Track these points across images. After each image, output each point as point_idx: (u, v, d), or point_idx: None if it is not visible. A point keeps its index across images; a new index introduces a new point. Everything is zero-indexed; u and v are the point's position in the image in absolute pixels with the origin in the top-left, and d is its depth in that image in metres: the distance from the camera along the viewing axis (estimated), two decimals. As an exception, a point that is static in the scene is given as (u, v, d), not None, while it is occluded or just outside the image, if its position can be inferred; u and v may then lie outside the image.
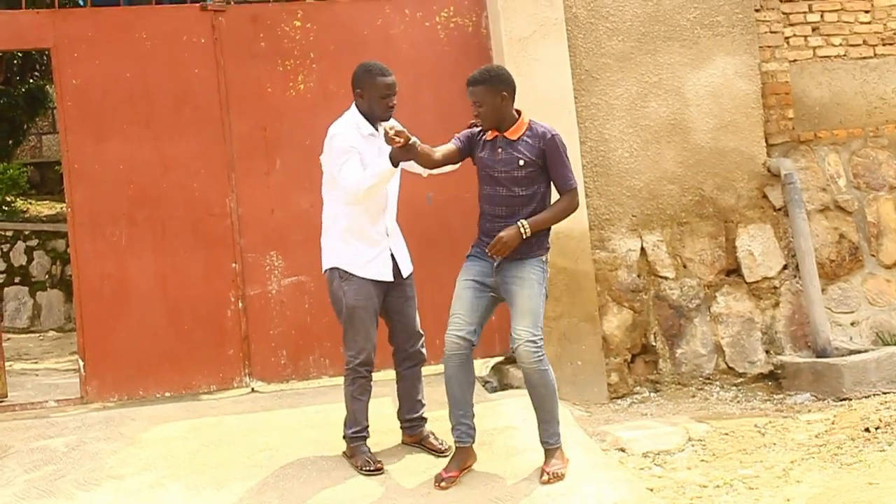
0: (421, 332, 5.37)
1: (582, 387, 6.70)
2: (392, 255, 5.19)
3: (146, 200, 6.61)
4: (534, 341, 4.81)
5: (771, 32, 7.67)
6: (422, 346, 5.37)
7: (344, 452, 5.25)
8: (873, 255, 7.64)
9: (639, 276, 7.08)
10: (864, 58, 7.94)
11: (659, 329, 7.05)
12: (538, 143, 4.94)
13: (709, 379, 7.05)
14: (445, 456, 5.17)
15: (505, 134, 4.98)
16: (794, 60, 7.77)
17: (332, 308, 5.25)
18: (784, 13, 7.76)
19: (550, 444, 4.98)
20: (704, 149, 7.29)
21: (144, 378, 6.51)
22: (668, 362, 7.03)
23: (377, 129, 5.10)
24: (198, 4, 6.82)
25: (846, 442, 5.39)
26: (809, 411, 6.27)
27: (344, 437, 5.24)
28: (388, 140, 4.72)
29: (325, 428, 5.66)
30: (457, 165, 5.24)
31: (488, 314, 5.07)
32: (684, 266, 7.20)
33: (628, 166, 7.12)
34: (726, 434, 5.78)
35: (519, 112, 5.04)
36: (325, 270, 5.19)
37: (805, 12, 7.85)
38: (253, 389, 6.61)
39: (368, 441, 5.23)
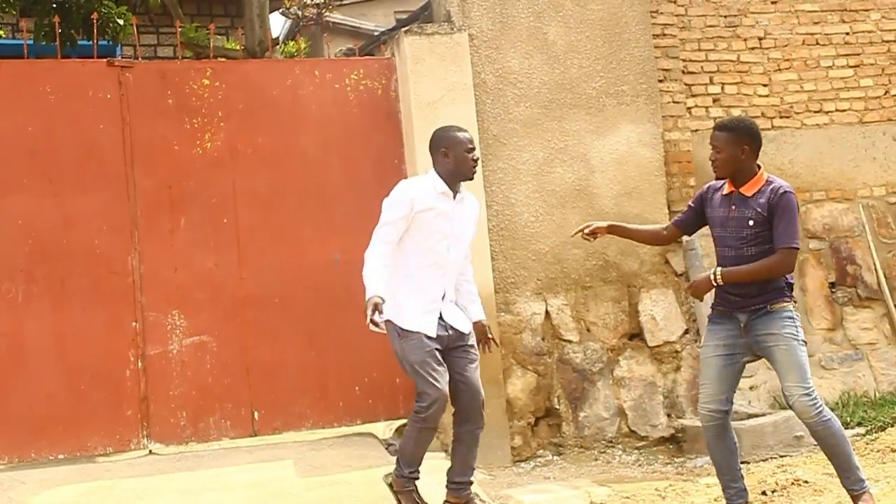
0: (482, 394, 5.29)
1: (485, 450, 6.60)
2: (441, 316, 5.17)
3: (46, 257, 6.42)
4: (808, 394, 4.67)
5: (674, 102, 7.84)
6: (483, 409, 5.28)
7: (392, 488, 5.30)
8: (771, 322, 7.77)
9: (543, 339, 7.11)
10: (763, 129, 8.03)
11: (562, 392, 7.06)
12: (770, 198, 4.79)
13: (611, 442, 7.07)
14: None
15: (740, 190, 4.89)
16: (696, 130, 7.93)
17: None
18: (686, 84, 7.95)
19: (856, 490, 4.76)
20: (609, 214, 7.35)
21: (37, 440, 6.28)
22: (571, 425, 7.03)
23: (454, 189, 5.21)
24: (105, 60, 6.74)
25: (744, 506, 5.43)
26: (709, 475, 6.21)
27: (395, 476, 5.23)
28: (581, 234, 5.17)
29: (223, 491, 5.54)
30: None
31: (739, 377, 5.02)
32: (588, 330, 7.25)
33: (534, 230, 7.17)
34: (627, 497, 5.77)
35: (759, 167, 4.93)
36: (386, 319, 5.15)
37: (706, 84, 8.05)
38: (151, 451, 6.43)
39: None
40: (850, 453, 4.80)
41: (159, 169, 6.66)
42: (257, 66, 7.25)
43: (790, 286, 4.90)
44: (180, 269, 6.62)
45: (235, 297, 6.70)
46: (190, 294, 6.62)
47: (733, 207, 4.88)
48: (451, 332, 5.15)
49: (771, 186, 4.84)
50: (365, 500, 5.37)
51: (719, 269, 4.80)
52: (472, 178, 5.25)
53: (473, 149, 5.23)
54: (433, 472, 5.66)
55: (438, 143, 5.23)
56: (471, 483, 5.30)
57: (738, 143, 4.86)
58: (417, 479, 5.18)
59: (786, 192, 4.81)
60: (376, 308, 4.83)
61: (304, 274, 6.81)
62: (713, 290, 4.97)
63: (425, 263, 5.14)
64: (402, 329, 5.08)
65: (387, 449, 6.52)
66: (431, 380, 4.98)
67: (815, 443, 4.97)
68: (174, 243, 6.63)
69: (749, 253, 4.81)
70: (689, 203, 5.23)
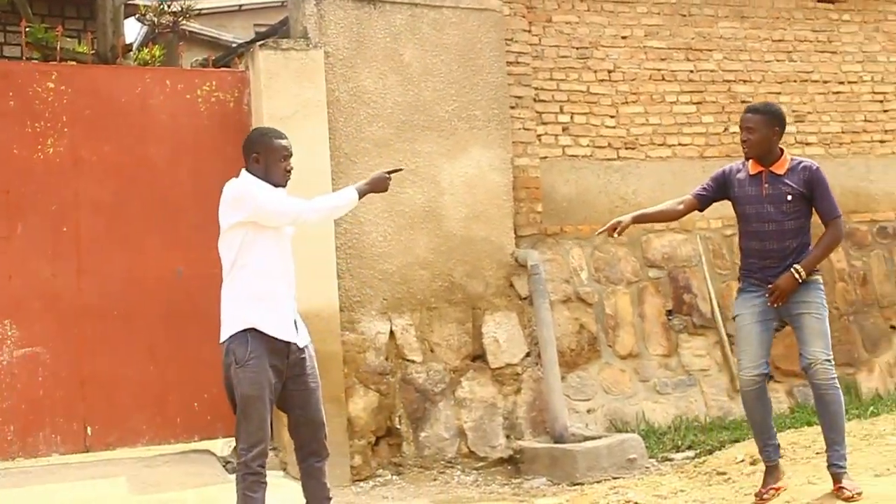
0: (325, 425, 4.84)
1: (325, 469, 6.60)
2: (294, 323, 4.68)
3: None
4: (829, 360, 5.00)
5: (524, 129, 7.93)
6: (325, 439, 4.82)
7: None
8: (610, 346, 7.92)
9: (387, 358, 7.07)
10: (609, 159, 8.33)
11: (404, 412, 7.04)
12: (803, 174, 5.12)
13: (451, 462, 7.06)
14: None
15: (771, 169, 5.17)
16: (545, 157, 8.05)
17: (225, 391, 4.64)
18: (537, 112, 8.06)
19: (841, 468, 5.05)
20: (456, 237, 7.42)
21: None
22: (411, 445, 7.01)
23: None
24: (-58, 58, 6.45)
25: (576, 527, 5.51)
26: (544, 496, 6.34)
27: None
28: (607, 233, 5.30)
29: (50, 510, 5.34)
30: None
31: (771, 343, 5.24)
32: (431, 350, 7.25)
33: (381, 250, 7.15)
34: None
35: (782, 150, 5.21)
36: (224, 341, 4.57)
37: (557, 112, 8.17)
38: (-26, 467, 6.15)
39: None
40: (844, 428, 5.15)
41: (-4, 173, 6.40)
42: (106, 72, 7.05)
43: None
44: (15, 278, 6.36)
45: (73, 308, 6.47)
46: (24, 303, 6.36)
47: (767, 185, 5.18)
48: (291, 356, 4.65)
49: (801, 164, 5.20)
50: (198, 520, 5.24)
51: (797, 266, 5.04)
52: (284, 187, 4.76)
53: (288, 157, 4.76)
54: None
55: (251, 147, 4.74)
56: None
57: (771, 124, 5.18)
58: None
59: (818, 167, 5.20)
60: None
61: (147, 285, 6.64)
62: (746, 266, 5.30)
63: (267, 265, 4.63)
64: (243, 353, 4.51)
65: (224, 466, 6.39)
66: (257, 423, 4.52)
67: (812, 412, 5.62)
68: (9, 250, 6.37)
69: (789, 227, 5.13)
70: (707, 182, 5.47)
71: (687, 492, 5.88)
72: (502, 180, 7.66)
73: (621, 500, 5.78)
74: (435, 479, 6.83)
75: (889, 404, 7.80)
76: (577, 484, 6.55)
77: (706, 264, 8.36)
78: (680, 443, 7.34)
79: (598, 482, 6.51)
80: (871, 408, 7.79)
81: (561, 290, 7.82)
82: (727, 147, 8.69)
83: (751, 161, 5.27)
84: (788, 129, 8.80)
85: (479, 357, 7.42)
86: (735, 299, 5.42)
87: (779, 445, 5.35)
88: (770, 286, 5.10)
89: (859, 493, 4.97)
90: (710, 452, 6.87)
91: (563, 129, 8.19)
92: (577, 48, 8.32)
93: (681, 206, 5.49)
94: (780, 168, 5.20)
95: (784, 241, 5.15)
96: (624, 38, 8.50)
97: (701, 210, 5.57)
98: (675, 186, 8.38)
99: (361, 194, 4.76)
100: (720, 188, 5.40)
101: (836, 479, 5.07)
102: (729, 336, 8.22)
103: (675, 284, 8.28)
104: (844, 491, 4.98)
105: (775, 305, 5.12)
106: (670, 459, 7.01)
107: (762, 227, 5.20)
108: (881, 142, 9.40)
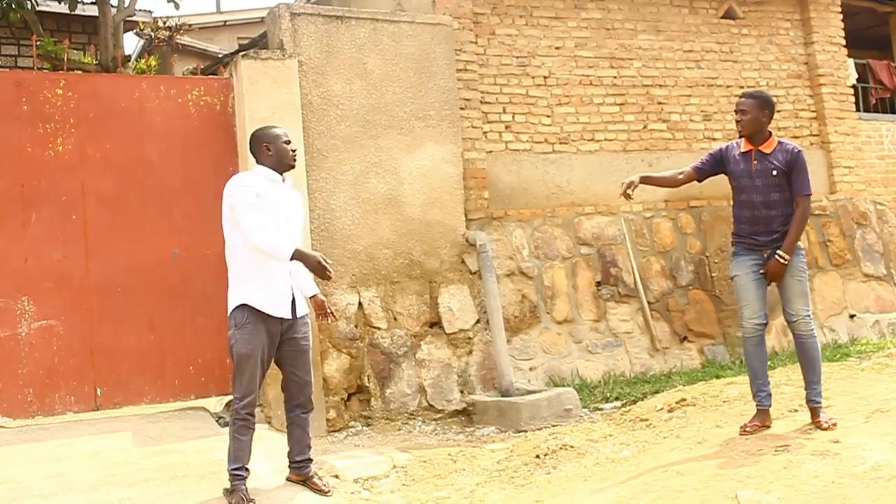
0: (312, 382, 5.01)
1: (305, 422, 6.64)
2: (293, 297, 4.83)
3: None
4: (809, 315, 5.21)
5: (472, 127, 8.01)
6: (311, 394, 5.02)
7: (225, 489, 4.74)
8: (548, 313, 8.02)
9: (356, 326, 7.14)
10: (545, 153, 8.44)
11: (372, 372, 7.10)
12: (787, 155, 5.24)
13: (413, 415, 7.12)
14: (328, 496, 4.97)
15: (760, 148, 5.29)
16: (490, 151, 8.14)
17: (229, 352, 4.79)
18: (483, 112, 8.14)
19: (818, 402, 5.25)
20: (415, 220, 7.49)
21: None
22: (378, 401, 7.07)
23: (282, 177, 4.86)
24: (-38, 67, 6.40)
25: (521, 467, 5.54)
26: (493, 442, 6.39)
27: (228, 473, 4.70)
28: (624, 194, 5.28)
29: (67, 460, 5.34)
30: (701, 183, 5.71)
31: (766, 297, 5.36)
32: (395, 319, 7.31)
33: (350, 232, 7.21)
34: (425, 462, 5.83)
35: (770, 132, 5.34)
36: (232, 311, 4.73)
37: (500, 113, 8.27)
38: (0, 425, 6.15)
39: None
40: (821, 371, 5.33)
41: (12, 169, 6.37)
42: (107, 80, 7.02)
43: None
44: (31, 260, 6.35)
45: (82, 286, 6.47)
46: (39, 282, 6.36)
47: (755, 162, 5.31)
48: (285, 322, 4.81)
49: (786, 147, 5.32)
50: (196, 467, 5.27)
51: (780, 252, 5.19)
52: (294, 167, 4.94)
53: (290, 141, 4.94)
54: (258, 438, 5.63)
55: (260, 141, 4.88)
56: (310, 460, 5.09)
57: (761, 108, 5.29)
58: (244, 477, 4.70)
59: (799, 150, 5.31)
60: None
61: (146, 266, 6.65)
62: (738, 231, 5.41)
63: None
64: (242, 317, 4.67)
65: (217, 421, 6.44)
66: (248, 377, 4.66)
67: (799, 356, 5.39)
68: (25, 236, 6.36)
69: (775, 197, 5.27)
70: (705, 158, 5.56)
71: (615, 436, 6.00)
72: (454, 171, 7.73)
73: (559, 444, 5.82)
74: (399, 429, 6.89)
75: (783, 359, 7.98)
76: (522, 431, 6.59)
77: (629, 243, 8.51)
78: (608, 395, 7.41)
79: (539, 429, 6.56)
80: (769, 362, 7.96)
81: (505, 266, 7.92)
82: (646, 142, 8.85)
83: (743, 140, 5.39)
84: (698, 125, 9.13)
85: (435, 324, 7.48)
86: (731, 262, 5.54)
87: (771, 394, 5.41)
88: (763, 273, 5.27)
89: (835, 424, 5.17)
90: (634, 403, 6.99)
91: (506, 127, 8.28)
92: (517, 57, 8.41)
93: (681, 176, 5.58)
94: (767, 148, 5.32)
95: (770, 209, 5.26)
96: (557, 48, 8.61)
97: (699, 181, 5.61)
98: (602, 175, 8.54)
99: (294, 257, 4.60)
100: (717, 163, 5.49)
101: (815, 413, 5.26)
102: (649, 304, 8.41)
103: (603, 260, 8.39)
104: (822, 423, 5.18)
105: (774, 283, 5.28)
106: (600, 409, 7.09)
107: (751, 197, 5.32)
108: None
